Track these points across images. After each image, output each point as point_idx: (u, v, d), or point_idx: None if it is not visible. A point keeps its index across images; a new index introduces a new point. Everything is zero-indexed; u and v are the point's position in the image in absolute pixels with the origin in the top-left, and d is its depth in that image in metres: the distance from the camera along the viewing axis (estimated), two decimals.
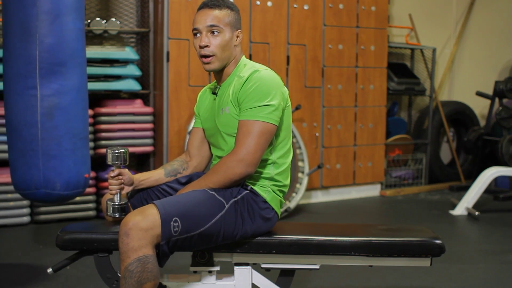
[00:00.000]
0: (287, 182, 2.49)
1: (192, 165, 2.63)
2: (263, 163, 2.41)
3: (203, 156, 2.65)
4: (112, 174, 2.43)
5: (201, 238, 2.27)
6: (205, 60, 2.42)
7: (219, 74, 2.50)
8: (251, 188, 2.39)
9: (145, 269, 2.13)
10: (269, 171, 2.42)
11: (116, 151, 2.39)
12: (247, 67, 2.45)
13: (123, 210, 2.43)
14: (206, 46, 2.39)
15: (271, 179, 2.42)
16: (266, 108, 2.32)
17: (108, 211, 2.43)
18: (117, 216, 2.42)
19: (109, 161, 2.40)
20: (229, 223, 2.30)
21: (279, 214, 2.49)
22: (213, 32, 2.39)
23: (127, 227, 2.14)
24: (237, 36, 2.45)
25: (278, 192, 2.45)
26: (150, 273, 2.14)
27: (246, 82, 2.35)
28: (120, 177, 2.44)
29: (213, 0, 2.42)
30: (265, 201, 2.40)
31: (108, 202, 2.44)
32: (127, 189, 2.49)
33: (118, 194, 2.43)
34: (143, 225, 2.15)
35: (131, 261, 2.13)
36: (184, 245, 2.25)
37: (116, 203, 2.42)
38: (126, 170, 2.47)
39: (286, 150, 2.47)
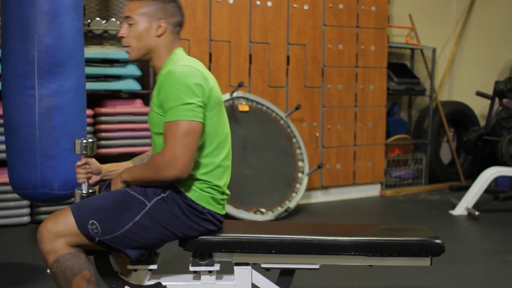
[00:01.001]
0: (221, 182, 2.38)
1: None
2: None
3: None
4: (79, 163, 2.47)
5: (131, 236, 2.26)
6: (125, 50, 2.43)
7: (154, 70, 2.47)
8: (176, 186, 2.32)
9: (66, 266, 2.22)
10: (193, 171, 2.31)
11: (84, 141, 2.44)
12: (172, 62, 2.36)
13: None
14: (123, 37, 2.40)
15: (195, 179, 2.33)
16: (186, 106, 2.21)
17: (76, 199, 2.48)
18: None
19: (77, 151, 2.46)
20: (159, 221, 2.28)
21: (219, 211, 2.39)
22: (129, 24, 2.39)
23: (40, 234, 2.26)
24: (159, 26, 2.38)
25: (207, 190, 2.34)
26: (72, 268, 2.22)
27: (163, 81, 2.28)
28: (87, 166, 2.48)
29: None
30: (192, 201, 2.32)
31: (76, 191, 2.49)
32: (95, 178, 2.51)
33: (86, 183, 2.48)
34: (54, 229, 2.23)
35: (50, 264, 2.24)
36: (121, 242, 2.27)
37: (84, 192, 2.48)
38: (94, 159, 2.50)
39: (212, 150, 2.35)
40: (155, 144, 2.41)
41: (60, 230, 2.24)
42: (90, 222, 2.24)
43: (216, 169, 2.37)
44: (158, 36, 2.39)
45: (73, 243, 2.25)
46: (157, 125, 2.34)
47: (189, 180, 2.32)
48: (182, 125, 2.21)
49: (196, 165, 2.32)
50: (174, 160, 2.20)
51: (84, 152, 2.45)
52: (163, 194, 2.31)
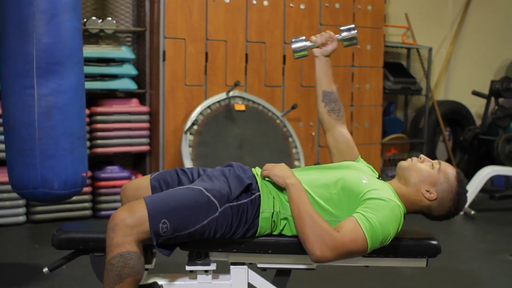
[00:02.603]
0: (291, 232, 2.36)
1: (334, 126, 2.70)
2: (286, 206, 2.32)
3: (339, 139, 2.72)
4: (331, 34, 2.64)
5: (190, 236, 2.27)
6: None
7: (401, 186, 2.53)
8: (258, 196, 2.33)
9: (127, 264, 2.16)
10: (283, 212, 2.32)
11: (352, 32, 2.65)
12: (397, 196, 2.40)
13: (302, 46, 2.67)
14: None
15: (280, 213, 2.34)
16: (379, 239, 2.20)
17: (295, 38, 2.68)
18: (293, 42, 2.69)
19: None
20: (219, 226, 2.28)
21: (259, 234, 2.36)
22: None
23: (113, 223, 2.17)
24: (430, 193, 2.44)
25: (277, 223, 2.35)
26: (131, 269, 2.17)
27: (387, 199, 2.28)
28: (330, 40, 2.63)
29: None
30: (258, 216, 2.32)
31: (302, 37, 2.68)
32: (319, 49, 2.67)
33: (311, 43, 2.65)
34: (129, 222, 2.17)
35: (114, 255, 2.16)
36: (175, 241, 2.28)
37: (302, 38, 2.67)
38: (334, 47, 2.66)
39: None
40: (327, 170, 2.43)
41: (134, 224, 2.17)
42: (163, 221, 2.20)
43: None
44: (429, 200, 2.45)
45: (142, 239, 2.21)
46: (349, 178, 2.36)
47: (278, 206, 2.33)
48: (362, 243, 2.17)
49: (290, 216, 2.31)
50: (335, 248, 2.14)
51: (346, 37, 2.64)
52: (236, 202, 2.30)
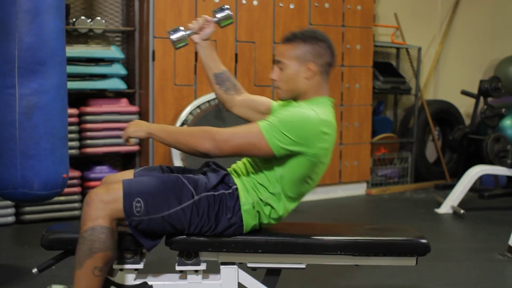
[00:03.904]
0: (277, 214, 2.41)
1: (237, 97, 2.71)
2: (264, 187, 2.37)
3: (244, 104, 2.70)
4: (206, 17, 2.64)
5: (166, 223, 2.30)
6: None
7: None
8: (235, 189, 2.37)
9: (98, 238, 2.21)
10: (264, 196, 2.37)
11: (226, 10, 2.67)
12: (309, 103, 2.41)
13: (180, 35, 2.63)
14: (274, 79, 2.46)
15: (262, 201, 2.37)
16: (281, 135, 2.26)
17: (176, 35, 2.63)
18: (171, 33, 2.62)
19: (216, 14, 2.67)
20: (196, 215, 2.31)
21: (246, 229, 2.39)
22: (280, 68, 2.45)
23: (89, 197, 2.26)
24: (308, 69, 2.42)
25: (261, 212, 2.38)
26: (102, 243, 2.21)
27: (289, 106, 2.38)
28: (207, 24, 2.64)
29: (288, 34, 2.48)
30: (239, 209, 2.35)
31: (180, 27, 2.64)
32: (198, 35, 2.65)
33: (189, 31, 2.63)
34: (104, 197, 2.25)
35: (86, 228, 2.23)
36: (151, 227, 2.30)
37: (181, 29, 2.63)
38: (212, 30, 2.66)
39: (296, 196, 2.43)
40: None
41: (109, 200, 2.25)
42: (136, 199, 2.26)
43: (287, 206, 2.42)
44: (307, 79, 2.43)
45: (115, 217, 2.26)
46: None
47: (255, 195, 2.36)
48: (256, 134, 2.27)
49: (272, 196, 2.36)
50: (222, 141, 2.25)
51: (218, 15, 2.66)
52: (213, 192, 2.34)
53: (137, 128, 2.37)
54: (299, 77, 2.42)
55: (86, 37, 5.14)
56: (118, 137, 4.94)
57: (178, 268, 2.42)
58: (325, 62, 2.47)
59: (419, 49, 6.74)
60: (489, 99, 6.51)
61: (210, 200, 2.33)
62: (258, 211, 2.38)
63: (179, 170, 2.58)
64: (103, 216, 2.23)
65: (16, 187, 3.13)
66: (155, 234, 2.34)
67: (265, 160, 2.36)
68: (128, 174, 2.56)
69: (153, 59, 4.89)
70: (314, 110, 2.33)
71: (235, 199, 2.35)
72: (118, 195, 2.26)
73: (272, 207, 2.38)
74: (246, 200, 2.36)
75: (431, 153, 7.12)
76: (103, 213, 2.23)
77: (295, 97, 2.46)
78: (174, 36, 2.62)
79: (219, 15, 2.67)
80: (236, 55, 5.24)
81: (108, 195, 2.26)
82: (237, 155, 2.31)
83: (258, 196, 2.37)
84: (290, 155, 2.31)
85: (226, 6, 2.70)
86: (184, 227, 2.32)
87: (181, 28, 2.64)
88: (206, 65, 2.70)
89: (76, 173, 4.78)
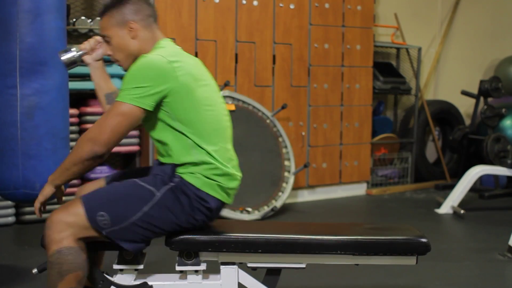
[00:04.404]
0: (226, 167, 2.38)
1: None
2: (183, 149, 2.34)
3: None
4: (97, 38, 2.58)
5: (139, 227, 2.28)
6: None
7: None
8: (180, 176, 2.34)
9: (66, 261, 2.20)
10: (193, 156, 2.33)
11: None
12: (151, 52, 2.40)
13: (71, 56, 2.58)
14: (110, 55, 2.47)
15: (198, 164, 2.34)
16: (135, 90, 2.23)
17: (66, 56, 2.58)
18: (62, 54, 2.59)
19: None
20: (168, 210, 2.30)
21: (223, 199, 2.40)
22: (107, 41, 2.46)
23: (49, 221, 2.24)
24: (130, 29, 2.41)
25: (213, 177, 2.35)
26: (70, 264, 2.21)
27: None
28: (99, 45, 2.58)
29: (100, 8, 2.48)
30: (198, 188, 2.33)
31: (71, 48, 2.59)
32: (90, 55, 2.59)
33: (81, 51, 2.58)
34: (64, 218, 2.23)
35: (51, 252, 2.22)
36: (127, 234, 2.28)
37: (73, 50, 2.58)
38: (103, 51, 2.58)
39: (211, 132, 2.37)
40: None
41: (70, 221, 2.23)
42: (99, 213, 2.24)
43: (221, 151, 2.38)
44: (134, 38, 2.43)
45: (80, 236, 2.25)
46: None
47: (190, 165, 2.34)
48: (120, 106, 2.25)
49: (196, 149, 2.34)
50: (96, 135, 2.24)
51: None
52: (171, 184, 2.33)
53: (44, 193, 2.39)
54: (126, 41, 2.43)
55: (86, 37, 5.13)
56: None
57: (178, 268, 2.42)
58: (145, 15, 2.46)
59: (419, 49, 6.74)
60: (489, 99, 6.51)
61: (174, 189, 2.32)
62: (205, 176, 2.34)
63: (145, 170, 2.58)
64: (66, 237, 2.22)
65: (18, 188, 3.13)
66: (138, 239, 2.32)
67: (158, 129, 2.35)
68: (100, 183, 2.57)
69: None
70: (152, 54, 2.33)
71: (187, 183, 2.33)
72: (79, 213, 2.25)
73: (207, 163, 2.35)
74: (191, 177, 2.33)
75: (431, 153, 7.12)
76: (67, 233, 2.22)
77: (135, 59, 2.44)
78: (65, 57, 2.60)
79: None
80: (236, 55, 5.24)
81: (68, 215, 2.24)
82: (120, 137, 2.27)
83: (191, 166, 2.34)
84: (164, 102, 2.29)
85: None
86: (164, 227, 2.31)
87: (73, 48, 2.60)
88: (98, 86, 2.65)
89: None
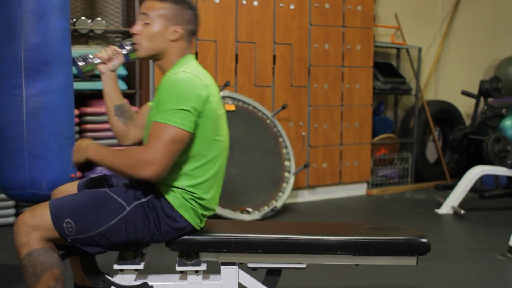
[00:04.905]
0: (208, 196, 2.36)
1: (132, 130, 2.66)
2: (174, 172, 2.30)
3: (136, 131, 2.67)
4: (115, 48, 2.58)
5: (105, 238, 2.28)
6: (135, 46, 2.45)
7: (160, 70, 2.48)
8: (158, 191, 2.32)
9: (38, 262, 2.22)
10: (180, 182, 2.31)
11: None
12: (179, 67, 2.35)
13: (88, 63, 2.59)
14: (135, 33, 2.41)
15: (181, 188, 2.32)
16: (180, 112, 2.20)
17: (80, 56, 2.59)
18: (80, 60, 2.58)
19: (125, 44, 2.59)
20: (133, 225, 2.28)
21: (194, 223, 2.36)
22: (145, 22, 2.39)
23: (16, 225, 2.26)
24: (175, 31, 2.38)
25: (191, 201, 2.33)
26: (43, 264, 2.22)
27: (165, 83, 2.28)
28: (116, 55, 2.57)
29: None
30: (173, 207, 2.31)
31: (88, 55, 2.59)
32: (105, 65, 2.59)
33: (98, 59, 2.57)
34: (31, 222, 2.24)
35: (23, 256, 2.24)
36: (92, 241, 2.28)
37: (90, 57, 2.57)
38: (120, 62, 2.59)
39: (204, 163, 2.34)
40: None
41: (36, 224, 2.24)
42: (66, 220, 2.24)
43: (205, 182, 2.35)
44: (172, 41, 2.40)
45: (48, 238, 2.25)
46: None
47: (174, 187, 2.32)
48: (171, 131, 2.19)
49: (185, 175, 2.31)
50: (153, 162, 2.18)
51: (127, 47, 2.58)
52: (143, 199, 2.31)
53: (78, 155, 2.39)
54: (163, 37, 2.38)
55: (86, 38, 5.14)
56: None
57: (178, 268, 2.42)
58: (191, 29, 2.43)
59: (420, 50, 6.74)
60: (490, 100, 6.51)
61: (145, 205, 2.30)
62: (184, 198, 2.32)
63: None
64: (34, 239, 2.22)
65: (25, 188, 3.14)
66: (103, 245, 2.31)
67: None
68: (72, 187, 2.56)
69: None
70: (185, 71, 2.29)
71: (164, 199, 2.32)
72: (45, 217, 2.24)
73: (190, 192, 2.33)
74: (170, 195, 2.32)
75: (431, 153, 7.12)
76: (34, 236, 2.22)
77: (153, 57, 2.43)
78: (82, 63, 2.58)
79: (128, 47, 2.60)
80: (236, 55, 5.24)
81: (34, 218, 2.24)
82: (172, 160, 2.23)
83: (180, 192, 2.32)
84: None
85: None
86: (130, 238, 2.30)
87: (90, 56, 2.59)
88: (108, 96, 2.64)
89: (77, 174, 4.77)
